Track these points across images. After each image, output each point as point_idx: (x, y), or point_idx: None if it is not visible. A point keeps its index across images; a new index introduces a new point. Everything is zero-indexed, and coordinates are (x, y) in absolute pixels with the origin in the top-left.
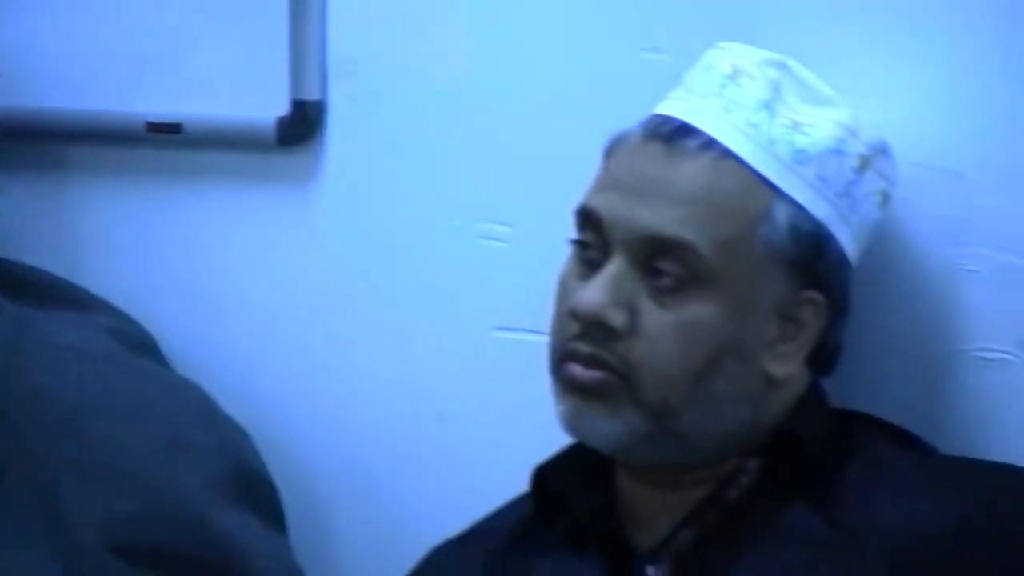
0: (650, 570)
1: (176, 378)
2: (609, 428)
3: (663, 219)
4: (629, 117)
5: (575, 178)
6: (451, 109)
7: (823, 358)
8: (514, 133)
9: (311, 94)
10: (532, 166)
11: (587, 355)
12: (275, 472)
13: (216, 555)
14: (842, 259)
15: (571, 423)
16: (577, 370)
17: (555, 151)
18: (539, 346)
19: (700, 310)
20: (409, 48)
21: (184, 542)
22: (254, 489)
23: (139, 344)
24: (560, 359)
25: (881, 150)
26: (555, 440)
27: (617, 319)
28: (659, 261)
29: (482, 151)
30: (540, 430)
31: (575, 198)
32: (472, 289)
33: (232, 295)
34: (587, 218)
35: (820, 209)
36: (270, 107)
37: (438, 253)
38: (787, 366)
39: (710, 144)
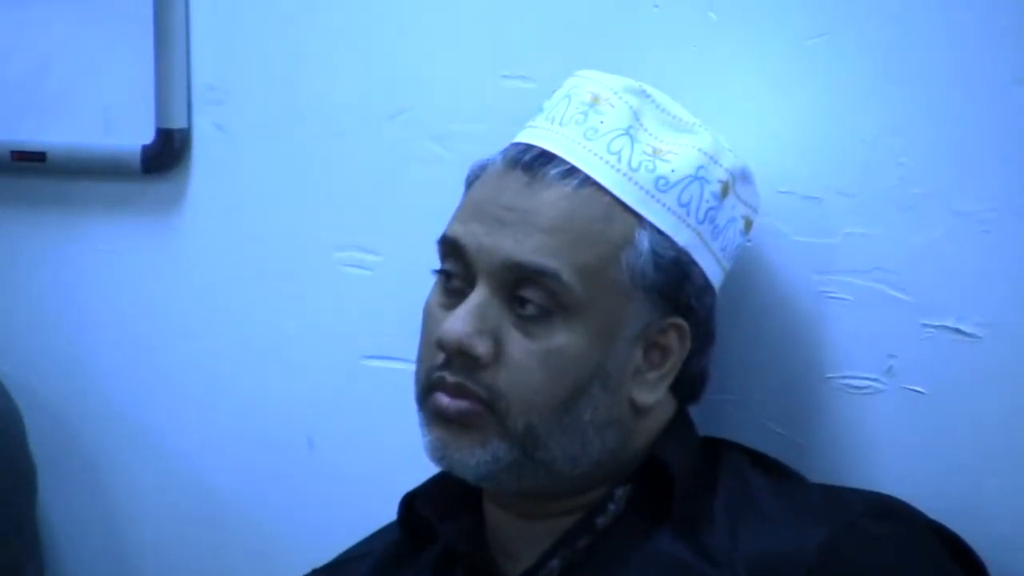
0: None
1: None
2: (476, 458)
3: (525, 248)
4: (491, 144)
5: (440, 206)
6: (316, 138)
7: (689, 385)
8: (379, 161)
9: (176, 122)
10: (397, 194)
11: (453, 385)
12: (142, 497)
13: None
14: (706, 286)
15: (438, 453)
16: (444, 400)
17: (419, 179)
18: (407, 374)
19: (565, 338)
20: (274, 76)
21: None
22: None
23: None
24: (426, 389)
25: (742, 176)
26: (424, 468)
27: (481, 348)
28: (523, 290)
29: (347, 179)
30: (409, 457)
31: (440, 226)
32: (339, 317)
33: (98, 322)
34: (450, 247)
35: (682, 236)
36: (135, 135)
37: (304, 281)
38: (653, 393)
39: (571, 172)
